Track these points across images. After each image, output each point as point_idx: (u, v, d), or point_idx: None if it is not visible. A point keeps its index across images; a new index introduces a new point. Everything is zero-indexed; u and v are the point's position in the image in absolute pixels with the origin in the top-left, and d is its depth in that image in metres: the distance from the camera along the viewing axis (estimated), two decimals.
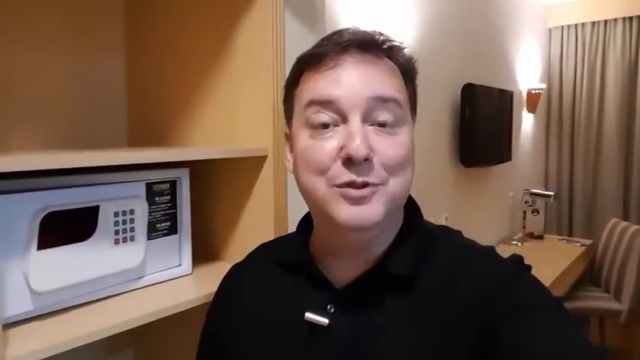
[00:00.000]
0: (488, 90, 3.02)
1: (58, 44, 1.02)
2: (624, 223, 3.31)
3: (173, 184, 0.87)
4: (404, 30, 2.25)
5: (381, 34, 0.61)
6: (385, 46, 0.61)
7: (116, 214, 0.76)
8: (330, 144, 0.57)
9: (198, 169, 0.93)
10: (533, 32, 4.00)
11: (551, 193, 3.53)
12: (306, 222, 0.70)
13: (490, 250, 0.62)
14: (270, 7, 0.87)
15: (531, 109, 3.97)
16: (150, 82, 1.09)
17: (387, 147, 0.57)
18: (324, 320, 0.60)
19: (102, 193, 0.75)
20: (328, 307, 0.61)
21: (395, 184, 0.58)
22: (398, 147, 0.58)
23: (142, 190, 0.82)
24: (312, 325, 0.60)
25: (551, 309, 0.53)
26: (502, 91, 3.23)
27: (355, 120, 0.56)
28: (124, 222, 0.77)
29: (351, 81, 0.57)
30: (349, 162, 0.55)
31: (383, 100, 0.57)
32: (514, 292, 0.55)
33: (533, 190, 3.60)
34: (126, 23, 1.12)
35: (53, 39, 1.01)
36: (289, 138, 0.67)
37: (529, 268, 0.60)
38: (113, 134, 1.12)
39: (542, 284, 0.57)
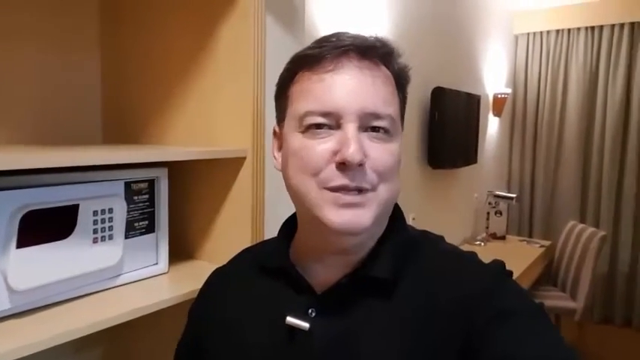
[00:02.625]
0: (457, 94, 3.09)
1: (29, 39, 1.00)
2: (581, 226, 3.45)
3: (151, 183, 0.87)
4: (376, 34, 2.28)
5: (378, 39, 0.62)
6: (382, 53, 0.61)
7: (95, 213, 0.76)
8: (324, 146, 0.58)
9: (176, 168, 0.94)
10: (500, 38, 4.11)
11: (514, 196, 3.65)
12: (289, 225, 0.71)
13: (472, 256, 0.63)
14: (251, 9, 0.88)
15: (497, 113, 4.08)
16: (126, 80, 1.08)
17: (380, 154, 0.58)
18: (305, 325, 0.60)
19: (81, 191, 0.75)
20: (309, 311, 0.61)
21: (385, 190, 0.59)
22: (388, 154, 0.59)
23: (120, 189, 0.82)
24: (293, 329, 0.61)
25: (533, 315, 0.54)
26: (470, 95, 3.31)
27: (350, 126, 0.57)
28: (103, 221, 0.77)
29: (348, 90, 0.58)
30: (343, 166, 0.56)
31: (378, 117, 0.58)
32: (496, 297, 0.55)
33: (497, 192, 3.71)
34: (101, 19, 1.11)
35: (25, 34, 0.99)
36: (278, 136, 0.67)
37: (510, 274, 0.61)
38: (87, 131, 1.11)
39: (524, 290, 0.59)
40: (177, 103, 0.99)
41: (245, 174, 0.91)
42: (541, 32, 4.28)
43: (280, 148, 0.66)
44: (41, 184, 0.70)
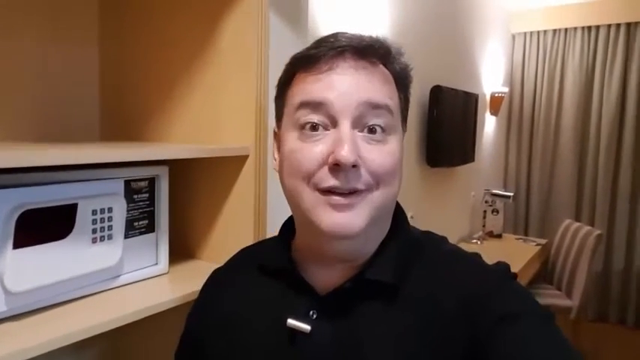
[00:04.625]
0: (455, 92, 3.08)
1: (25, 33, 0.97)
2: (577, 224, 3.46)
3: (152, 181, 0.85)
4: (376, 33, 2.27)
5: (378, 39, 0.61)
6: (381, 53, 0.60)
7: (94, 212, 0.74)
8: (318, 148, 0.56)
9: (176, 165, 0.92)
10: (498, 37, 4.11)
11: (511, 194, 3.65)
12: (289, 225, 0.70)
13: (476, 258, 0.62)
14: (254, 5, 0.86)
15: (494, 111, 4.08)
16: (125, 76, 1.06)
17: (376, 155, 0.57)
18: (306, 327, 0.59)
19: (80, 190, 0.73)
20: (310, 313, 0.60)
21: (381, 193, 0.57)
22: (386, 156, 0.57)
23: (120, 187, 0.80)
24: (294, 331, 0.60)
25: (537, 318, 0.53)
26: (468, 94, 3.31)
27: (345, 125, 0.56)
28: (102, 220, 0.75)
29: (343, 85, 0.57)
30: (337, 167, 0.55)
31: (373, 106, 0.57)
32: (501, 301, 0.55)
33: (494, 191, 3.71)
34: (100, 12, 1.08)
35: (21, 27, 0.96)
36: (277, 137, 0.66)
37: (515, 276, 0.60)
38: (85, 128, 1.09)
39: (529, 292, 0.58)
40: (178, 99, 0.97)
41: (247, 172, 0.89)
42: (538, 32, 4.29)
43: (279, 149, 0.65)
44: (39, 183, 0.68)
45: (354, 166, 0.55)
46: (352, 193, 0.56)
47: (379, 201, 0.57)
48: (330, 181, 0.55)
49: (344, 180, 0.55)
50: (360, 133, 0.57)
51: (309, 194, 0.57)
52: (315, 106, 0.57)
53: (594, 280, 3.90)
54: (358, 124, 0.57)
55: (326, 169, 0.56)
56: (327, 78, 0.57)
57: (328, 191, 0.56)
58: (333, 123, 0.57)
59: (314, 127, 0.57)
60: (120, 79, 1.07)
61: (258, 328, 0.64)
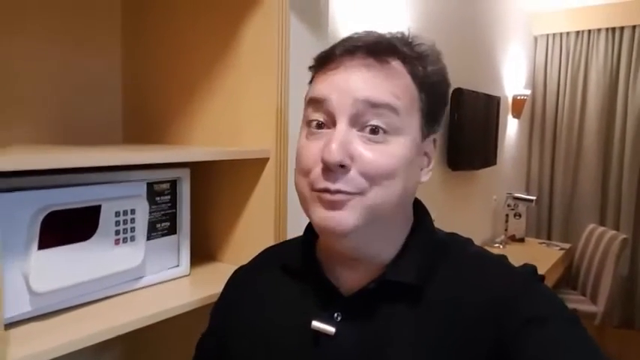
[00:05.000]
0: (477, 95, 3.05)
1: (50, 37, 0.99)
2: (601, 229, 3.39)
3: (173, 183, 0.86)
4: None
5: (401, 38, 0.60)
6: (398, 50, 0.58)
7: (117, 214, 0.75)
8: (316, 146, 0.57)
9: (198, 168, 0.92)
10: (520, 40, 4.06)
11: (533, 198, 3.60)
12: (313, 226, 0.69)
13: (502, 260, 0.61)
14: (275, 7, 0.86)
15: (516, 114, 4.03)
16: (147, 79, 1.07)
17: (372, 156, 0.55)
18: (331, 329, 0.59)
19: (104, 192, 0.74)
20: (335, 315, 0.60)
21: (376, 195, 0.55)
22: (385, 157, 0.55)
23: (143, 189, 0.80)
24: (318, 333, 0.59)
25: (565, 322, 0.52)
26: (489, 97, 3.27)
27: (341, 123, 0.55)
28: (125, 222, 0.76)
29: (342, 83, 0.56)
30: (326, 167, 0.54)
31: (372, 105, 0.55)
32: (528, 303, 0.54)
33: (516, 195, 3.66)
34: (123, 17, 1.10)
35: (45, 32, 0.98)
36: None
37: (542, 278, 0.59)
38: (108, 130, 1.10)
39: (556, 295, 0.56)
40: (200, 102, 0.98)
41: (268, 175, 0.89)
42: (560, 33, 4.22)
43: None
44: (63, 185, 0.69)
45: (342, 166, 0.54)
46: (341, 193, 0.55)
47: (374, 202, 0.55)
48: (321, 183, 0.55)
49: (332, 181, 0.54)
50: (360, 133, 0.56)
51: (308, 192, 0.58)
52: (317, 104, 0.58)
53: (619, 286, 3.80)
54: (357, 122, 0.56)
55: (319, 168, 0.56)
56: (332, 77, 0.58)
57: (320, 192, 0.56)
58: (333, 122, 0.56)
59: (319, 125, 0.58)
60: (142, 82, 1.08)
61: (282, 329, 0.64)
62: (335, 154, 0.53)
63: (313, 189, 0.56)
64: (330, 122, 0.57)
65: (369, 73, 0.56)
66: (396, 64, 0.58)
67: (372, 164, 0.55)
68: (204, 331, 0.75)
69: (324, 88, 0.58)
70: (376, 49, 0.57)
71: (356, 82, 0.56)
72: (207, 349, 0.74)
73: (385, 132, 0.55)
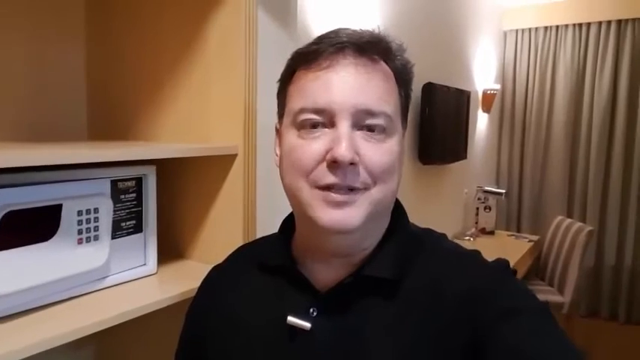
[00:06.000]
0: (447, 89, 3.08)
1: (8, 30, 0.96)
2: (568, 220, 3.48)
3: (139, 181, 0.84)
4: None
5: (379, 35, 0.61)
6: (382, 49, 0.60)
7: (80, 213, 0.73)
8: (316, 145, 0.57)
9: (164, 165, 0.91)
10: (490, 35, 4.11)
11: (503, 191, 3.66)
12: (289, 223, 0.69)
13: (476, 254, 0.63)
14: (243, 3, 0.85)
15: (486, 109, 4.09)
16: (113, 75, 1.04)
17: (374, 153, 0.57)
18: (307, 324, 0.59)
19: (65, 190, 0.72)
20: (311, 310, 0.61)
21: (379, 191, 0.58)
22: (384, 154, 0.58)
23: (106, 187, 0.79)
24: (294, 328, 0.60)
25: (537, 313, 0.54)
26: (460, 91, 3.31)
27: (343, 124, 0.56)
28: (88, 221, 0.74)
29: (342, 88, 0.57)
30: (334, 165, 0.55)
31: (370, 113, 0.57)
32: (502, 296, 0.56)
33: (486, 188, 3.72)
34: (86, 9, 1.07)
35: (9, 26, 0.95)
36: (279, 133, 0.66)
37: (515, 272, 0.61)
38: (71, 127, 1.07)
39: (528, 288, 0.59)
40: (166, 98, 0.96)
41: (236, 171, 0.88)
42: (529, 29, 4.29)
43: (280, 145, 0.65)
44: (22, 183, 0.67)
45: (352, 163, 0.55)
46: (350, 190, 0.56)
47: (377, 198, 0.58)
48: (329, 179, 0.56)
49: (342, 177, 0.56)
50: (359, 132, 0.57)
51: (308, 191, 0.58)
52: (315, 105, 0.58)
53: (586, 276, 3.92)
54: (356, 124, 0.57)
55: (324, 166, 0.56)
56: (326, 76, 0.58)
57: (326, 188, 0.56)
58: (332, 123, 0.57)
59: (314, 125, 0.58)
60: (107, 78, 1.06)
61: (259, 326, 0.64)
62: (347, 153, 0.54)
63: (317, 186, 0.57)
64: (328, 122, 0.57)
65: (365, 74, 0.58)
66: (383, 63, 0.60)
67: (375, 161, 0.57)
68: (181, 333, 0.75)
69: (320, 91, 0.57)
70: (364, 47, 0.59)
71: (355, 86, 0.57)
72: (185, 350, 0.74)
73: (382, 130, 0.58)
